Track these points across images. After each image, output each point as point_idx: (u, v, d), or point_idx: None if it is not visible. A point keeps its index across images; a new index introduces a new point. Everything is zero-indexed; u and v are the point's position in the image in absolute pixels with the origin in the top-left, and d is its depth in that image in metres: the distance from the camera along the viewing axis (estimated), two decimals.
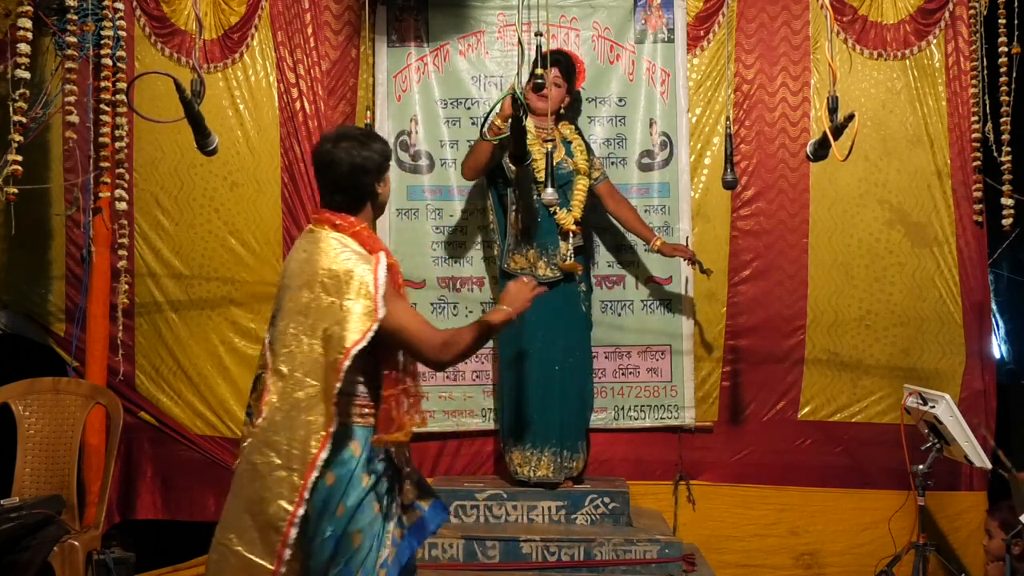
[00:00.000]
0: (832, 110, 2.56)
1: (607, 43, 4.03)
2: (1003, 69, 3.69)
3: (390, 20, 4.02)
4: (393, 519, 2.21)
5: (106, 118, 3.70)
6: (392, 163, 2.60)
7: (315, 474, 2.04)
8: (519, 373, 3.62)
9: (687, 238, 3.93)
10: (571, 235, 3.55)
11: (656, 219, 3.97)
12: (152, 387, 3.97)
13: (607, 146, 4.01)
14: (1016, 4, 3.62)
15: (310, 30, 4.00)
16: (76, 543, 3.18)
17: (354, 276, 2.10)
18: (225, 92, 3.99)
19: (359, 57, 4.01)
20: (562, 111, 3.74)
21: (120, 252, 3.80)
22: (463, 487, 3.67)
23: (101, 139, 3.71)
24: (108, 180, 3.72)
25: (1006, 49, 3.66)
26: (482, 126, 3.33)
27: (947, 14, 3.95)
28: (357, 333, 2.05)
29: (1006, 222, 3.69)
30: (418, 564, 2.66)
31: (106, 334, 3.77)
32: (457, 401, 3.97)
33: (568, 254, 3.53)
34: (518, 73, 3.05)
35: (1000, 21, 3.69)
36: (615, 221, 3.87)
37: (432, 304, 3.96)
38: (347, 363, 2.04)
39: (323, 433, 2.06)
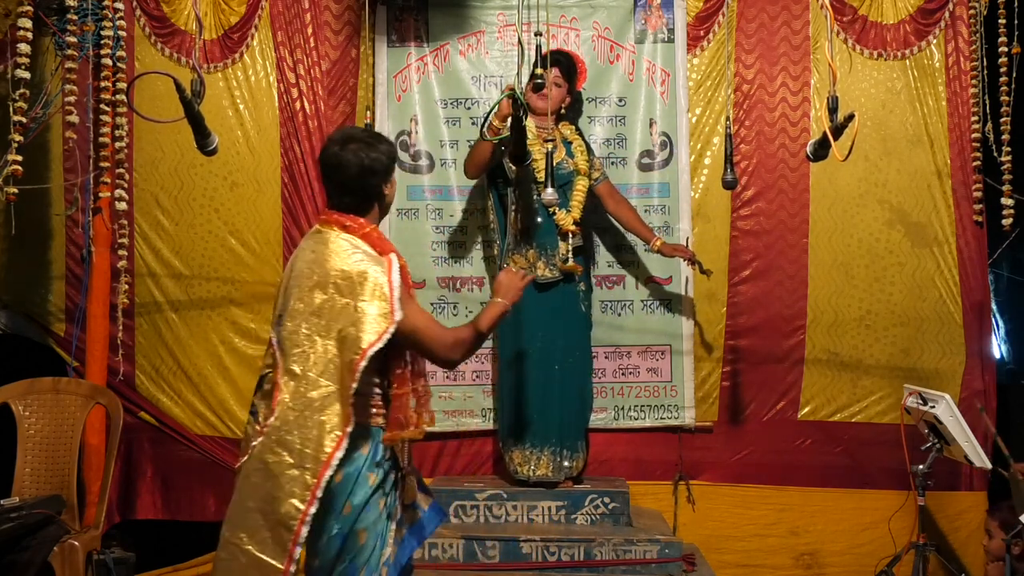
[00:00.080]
0: (832, 110, 2.56)
1: (607, 43, 4.03)
2: (1003, 69, 3.68)
3: (390, 20, 4.02)
4: (395, 518, 2.22)
5: (106, 118, 3.70)
6: None
7: (330, 473, 2.06)
8: (519, 373, 3.62)
9: (687, 238, 3.93)
10: (570, 235, 3.55)
11: (656, 219, 3.97)
12: (152, 387, 3.97)
13: (607, 146, 4.01)
14: (1016, 4, 3.61)
15: (310, 30, 4.01)
16: (76, 543, 3.18)
17: (368, 278, 2.12)
18: (225, 92, 3.99)
19: (359, 57, 4.01)
20: (563, 111, 3.74)
21: (120, 252, 3.80)
22: (463, 487, 3.67)
23: (101, 139, 3.71)
24: (108, 180, 3.72)
25: (1006, 49, 3.66)
26: (482, 126, 3.33)
27: (947, 14, 3.95)
28: (373, 334, 2.08)
29: (1006, 222, 3.69)
30: (418, 564, 2.68)
31: (106, 334, 3.77)
32: (457, 401, 3.97)
33: (568, 254, 3.53)
34: (518, 73, 3.06)
35: (1000, 21, 3.69)
36: (615, 221, 3.88)
37: (432, 304, 3.96)
38: (364, 364, 2.07)
39: (338, 432, 2.08)
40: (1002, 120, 3.70)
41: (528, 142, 3.35)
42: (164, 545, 3.94)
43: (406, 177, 3.99)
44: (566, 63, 3.66)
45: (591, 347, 3.80)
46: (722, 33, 3.99)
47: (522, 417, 3.61)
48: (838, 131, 2.54)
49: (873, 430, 3.91)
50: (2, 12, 3.67)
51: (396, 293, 2.12)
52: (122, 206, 3.75)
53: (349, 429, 2.09)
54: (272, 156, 4.01)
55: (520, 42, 3.03)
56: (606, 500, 3.57)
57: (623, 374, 3.98)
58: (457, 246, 4.01)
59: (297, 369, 2.13)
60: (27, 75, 3.13)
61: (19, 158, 3.09)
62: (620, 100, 4.03)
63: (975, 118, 3.90)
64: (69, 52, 3.34)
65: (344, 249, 2.18)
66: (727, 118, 3.51)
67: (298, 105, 3.99)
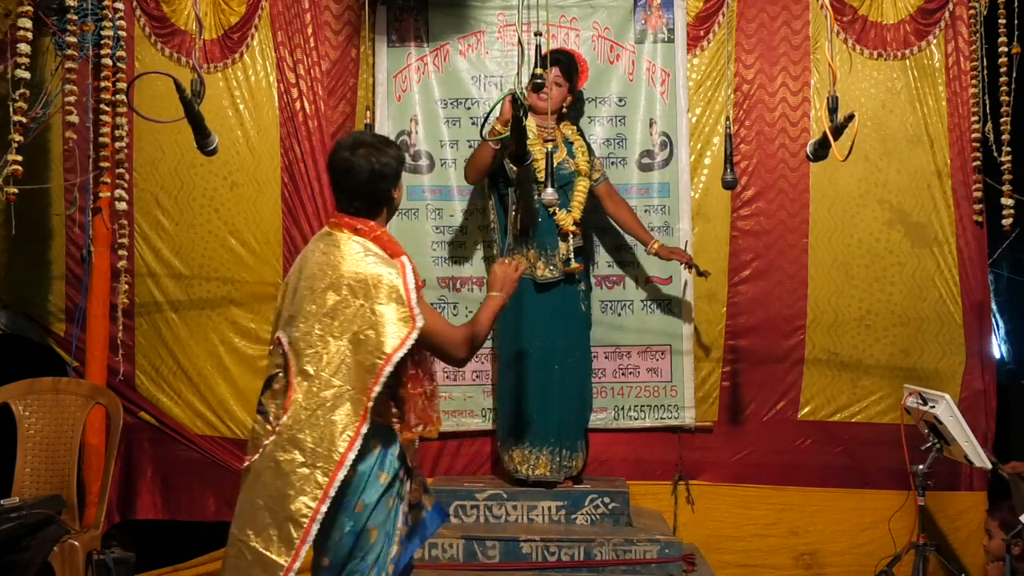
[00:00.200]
0: (832, 110, 2.56)
1: (607, 43, 4.03)
2: (1003, 69, 3.68)
3: (390, 20, 4.02)
4: (401, 517, 2.24)
5: (106, 118, 3.70)
6: None
7: (343, 472, 2.07)
8: (519, 372, 3.62)
9: (687, 239, 3.93)
10: (571, 236, 3.55)
11: (656, 219, 3.97)
12: (152, 387, 3.97)
13: (607, 146, 4.01)
14: (1016, 4, 3.61)
15: (310, 30, 4.00)
16: (76, 543, 3.18)
17: (383, 280, 2.14)
18: (225, 92, 3.99)
19: (359, 57, 4.01)
20: (564, 111, 3.74)
21: (120, 252, 3.80)
22: (463, 487, 3.67)
23: (101, 139, 3.71)
24: (108, 180, 3.72)
25: (1006, 49, 3.66)
26: (482, 127, 3.33)
27: (947, 14, 3.95)
28: (396, 339, 2.11)
29: (1006, 222, 3.69)
30: (418, 564, 2.68)
31: (106, 334, 3.77)
32: (457, 401, 3.97)
33: (568, 255, 3.53)
34: (518, 73, 3.05)
35: (1000, 21, 3.68)
36: (613, 223, 3.87)
37: (432, 304, 3.94)
38: (389, 369, 2.09)
39: (351, 432, 2.09)
40: (1002, 120, 3.69)
41: (529, 142, 3.35)
42: (164, 545, 3.95)
43: (406, 177, 3.89)
44: (566, 62, 3.65)
45: (591, 347, 3.80)
46: (722, 33, 3.99)
47: (522, 417, 3.61)
48: (838, 131, 2.54)
49: (873, 430, 3.91)
50: (2, 12, 3.67)
51: (414, 297, 2.15)
52: (122, 206, 3.75)
53: (364, 429, 2.10)
54: (272, 156, 4.01)
55: (520, 42, 3.02)
56: (606, 500, 3.57)
57: (623, 374, 3.98)
58: (457, 246, 4.01)
59: (310, 369, 2.15)
60: (27, 75, 3.12)
61: (19, 158, 3.09)
62: (620, 100, 4.03)
63: (975, 118, 3.90)
64: (69, 52, 3.34)
65: (357, 252, 2.20)
66: (727, 118, 3.50)
67: (298, 105, 3.99)
